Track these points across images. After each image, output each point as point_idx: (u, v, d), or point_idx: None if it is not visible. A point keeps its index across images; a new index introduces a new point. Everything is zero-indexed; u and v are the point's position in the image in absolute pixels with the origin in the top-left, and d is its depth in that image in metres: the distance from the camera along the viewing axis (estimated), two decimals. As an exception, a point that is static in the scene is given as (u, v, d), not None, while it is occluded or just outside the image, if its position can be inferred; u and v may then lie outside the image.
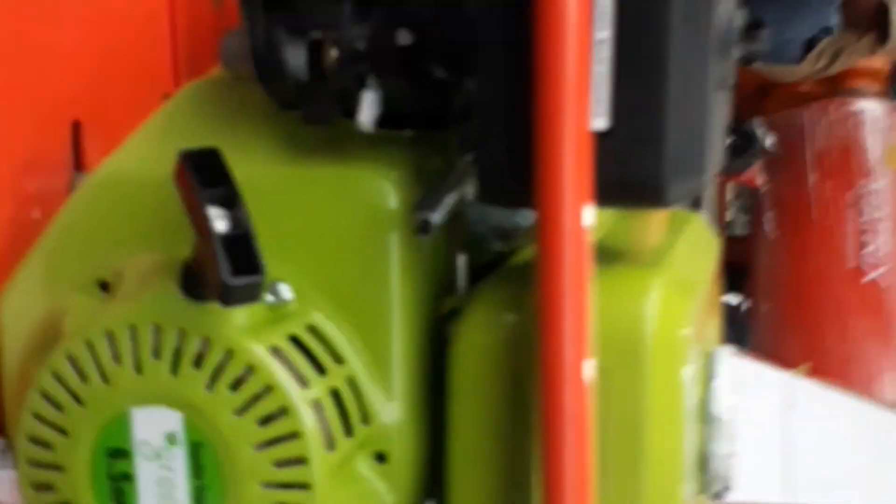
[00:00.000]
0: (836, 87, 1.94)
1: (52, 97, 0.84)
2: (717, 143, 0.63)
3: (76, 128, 0.86)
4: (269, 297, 0.69)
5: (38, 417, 0.70)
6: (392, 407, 0.70)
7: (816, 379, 1.55)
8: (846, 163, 1.86)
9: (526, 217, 0.78)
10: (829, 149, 1.92)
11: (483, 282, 0.73)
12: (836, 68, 1.87)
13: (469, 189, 0.71)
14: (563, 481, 0.60)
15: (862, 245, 1.79)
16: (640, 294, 0.65)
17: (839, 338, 1.78)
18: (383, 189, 0.69)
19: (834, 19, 1.83)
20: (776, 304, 1.87)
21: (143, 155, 0.74)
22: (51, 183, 0.85)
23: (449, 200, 0.66)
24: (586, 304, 0.58)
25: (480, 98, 0.62)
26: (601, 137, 0.59)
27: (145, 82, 0.97)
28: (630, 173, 0.60)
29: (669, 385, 0.65)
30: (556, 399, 0.59)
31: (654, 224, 0.78)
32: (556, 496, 0.60)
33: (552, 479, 0.60)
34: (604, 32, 0.59)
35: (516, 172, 0.61)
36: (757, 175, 2.01)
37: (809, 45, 1.85)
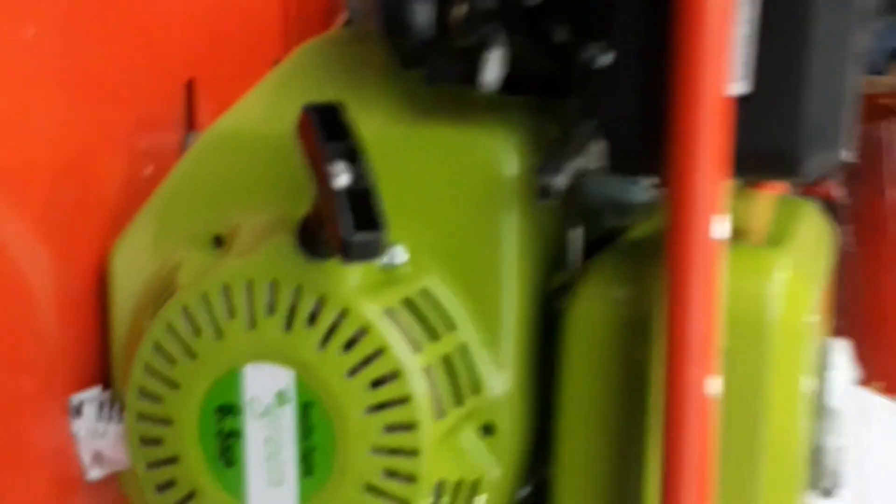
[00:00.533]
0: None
1: (168, 56, 0.84)
2: (853, 117, 0.60)
3: (190, 87, 0.85)
4: (383, 259, 0.68)
5: (149, 370, 0.70)
6: (502, 378, 0.69)
7: (891, 397, 1.51)
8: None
9: (642, 192, 0.76)
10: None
11: (598, 256, 0.71)
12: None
13: (589, 159, 0.69)
14: (683, 462, 0.58)
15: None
16: (766, 275, 0.63)
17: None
18: (502, 154, 0.67)
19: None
20: (852, 320, 1.81)
21: (260, 111, 0.74)
22: (163, 141, 0.85)
23: (571, 167, 0.64)
24: (717, 281, 0.56)
25: (613, 62, 0.60)
26: (738, 104, 0.57)
27: (255, 45, 0.97)
28: (767, 142, 0.58)
29: (790, 370, 0.63)
30: (680, 380, 0.57)
31: (764, 205, 0.76)
32: (675, 476, 0.58)
33: (672, 459, 0.58)
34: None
35: (648, 140, 0.59)
36: (834, 188, 1.97)
37: (894, 56, 1.81)
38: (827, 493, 0.69)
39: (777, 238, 0.68)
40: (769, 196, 0.78)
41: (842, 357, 0.69)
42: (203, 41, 0.88)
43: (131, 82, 0.80)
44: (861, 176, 1.82)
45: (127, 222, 0.77)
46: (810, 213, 0.74)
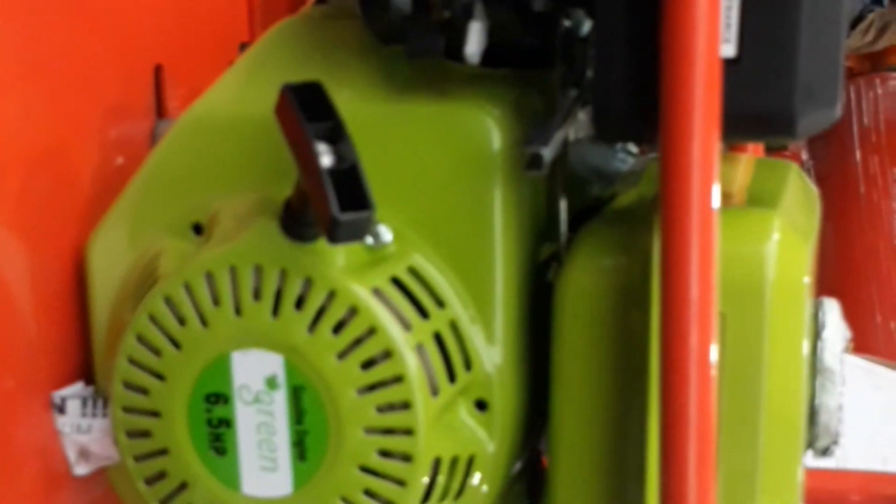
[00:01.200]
0: (882, 62, 1.90)
1: (134, 42, 0.82)
2: (843, 74, 0.60)
3: (158, 73, 0.84)
4: (368, 239, 0.67)
5: (134, 362, 0.68)
6: (494, 353, 0.69)
7: (862, 355, 1.53)
8: (893, 139, 1.83)
9: (624, 160, 0.76)
10: (876, 124, 1.89)
11: (585, 226, 0.71)
12: (883, 43, 1.83)
13: (574, 128, 0.69)
14: (684, 429, 0.57)
15: (910, 221, 1.77)
16: (764, 237, 0.62)
17: (886, 314, 1.75)
18: (486, 127, 0.66)
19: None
20: (823, 281, 1.83)
21: (234, 94, 0.72)
22: (133, 129, 0.83)
23: (559, 137, 0.64)
24: (714, 245, 0.56)
25: (599, 28, 0.60)
26: (728, 66, 0.57)
27: (221, 27, 0.95)
28: (759, 103, 0.57)
29: (791, 333, 0.63)
30: (680, 345, 0.56)
31: (743, 168, 0.76)
32: (676, 442, 0.58)
33: (673, 426, 0.58)
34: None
35: (637, 106, 0.58)
36: (801, 150, 1.97)
37: (857, 18, 1.81)
38: (824, 452, 0.69)
39: (765, 200, 0.68)
40: (747, 159, 0.78)
41: (834, 316, 0.69)
42: (169, 25, 0.86)
43: (99, 71, 0.78)
44: (828, 138, 1.83)
45: (101, 214, 0.76)
46: (795, 175, 0.74)
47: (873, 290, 1.81)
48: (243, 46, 1.00)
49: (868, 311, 1.79)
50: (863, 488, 0.99)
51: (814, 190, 0.78)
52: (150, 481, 0.70)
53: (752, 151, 0.82)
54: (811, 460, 0.73)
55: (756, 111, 0.58)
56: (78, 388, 0.75)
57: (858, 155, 1.89)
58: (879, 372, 1.47)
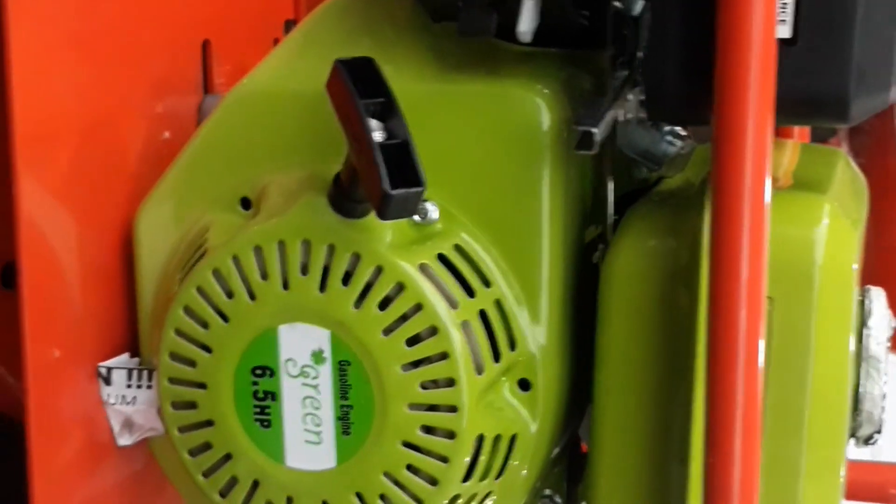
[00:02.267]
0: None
1: (182, 19, 0.83)
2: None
3: (206, 48, 0.84)
4: (415, 217, 0.67)
5: (182, 334, 0.69)
6: (538, 333, 0.69)
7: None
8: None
9: (671, 144, 0.76)
10: (917, 119, 1.86)
11: (633, 208, 0.71)
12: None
13: (622, 110, 0.69)
14: (732, 412, 0.57)
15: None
16: (815, 221, 0.62)
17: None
18: (536, 106, 0.66)
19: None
20: (862, 273, 1.81)
21: (285, 70, 0.73)
22: (180, 104, 0.83)
23: (609, 117, 0.64)
24: (765, 228, 0.56)
25: (654, 9, 0.59)
26: (782, 47, 0.56)
27: (266, 4, 0.96)
28: (812, 86, 0.57)
29: (839, 318, 0.62)
30: (729, 327, 0.56)
31: (789, 153, 0.76)
32: (723, 426, 0.58)
33: (720, 408, 0.58)
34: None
35: (690, 87, 0.58)
36: (841, 144, 1.96)
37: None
38: (867, 440, 0.69)
39: (814, 185, 0.67)
40: (793, 144, 0.78)
41: (880, 304, 0.69)
42: (216, 2, 0.86)
43: (148, 46, 0.79)
44: (868, 133, 1.81)
45: (148, 188, 0.76)
46: (844, 162, 0.74)
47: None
48: (289, 24, 1.00)
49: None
50: (902, 481, 0.98)
51: (862, 178, 0.78)
52: (195, 452, 0.70)
53: (798, 138, 0.81)
54: (848, 452, 0.72)
55: (809, 94, 0.58)
56: (123, 359, 0.76)
57: (896, 148, 1.86)
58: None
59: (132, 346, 0.77)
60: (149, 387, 0.75)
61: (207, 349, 0.68)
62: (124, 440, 0.76)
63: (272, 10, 0.96)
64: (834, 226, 0.63)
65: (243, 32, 0.91)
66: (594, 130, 0.61)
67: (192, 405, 0.69)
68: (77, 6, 0.70)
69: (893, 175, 1.84)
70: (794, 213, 0.63)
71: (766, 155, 0.55)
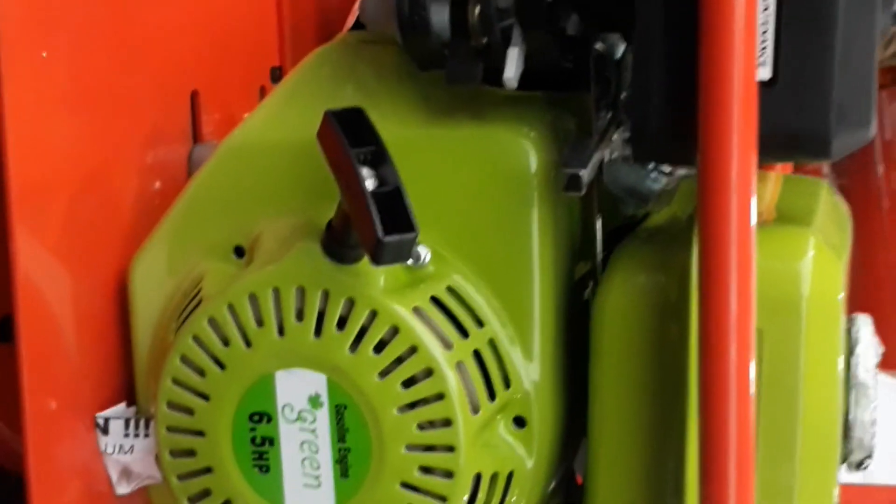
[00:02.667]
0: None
1: (171, 69, 0.84)
2: (875, 93, 0.62)
3: (194, 98, 0.85)
4: (408, 260, 0.68)
5: (178, 382, 0.70)
6: (532, 370, 0.70)
7: (886, 371, 1.52)
8: (916, 152, 1.82)
9: (657, 180, 0.77)
10: (899, 137, 1.88)
11: (621, 245, 0.72)
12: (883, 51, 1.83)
13: (609, 149, 0.70)
14: (726, 443, 0.58)
15: (933, 237, 1.76)
16: (800, 254, 0.63)
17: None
18: (523, 149, 0.68)
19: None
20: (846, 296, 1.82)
21: (275, 120, 0.74)
22: (170, 154, 0.84)
23: (596, 158, 0.65)
24: (752, 262, 0.57)
25: (637, 51, 0.61)
26: (763, 88, 0.58)
27: (253, 52, 0.97)
28: (794, 124, 0.59)
29: (828, 349, 0.64)
30: (720, 360, 0.57)
31: (771, 185, 0.77)
32: (715, 460, 0.59)
33: (712, 442, 0.59)
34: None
35: (675, 128, 0.60)
36: (822, 165, 1.97)
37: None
38: (859, 466, 0.70)
39: (798, 217, 0.69)
40: (775, 176, 0.79)
41: (867, 332, 0.70)
42: (204, 52, 0.88)
43: (139, 98, 0.80)
44: (851, 153, 1.83)
45: (141, 238, 0.77)
46: (826, 192, 0.75)
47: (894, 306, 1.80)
48: (274, 71, 1.01)
49: (891, 326, 1.78)
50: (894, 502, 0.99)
51: (844, 207, 0.80)
52: (194, 499, 0.71)
53: (780, 168, 0.83)
54: (840, 475, 0.73)
55: (791, 132, 0.59)
56: (120, 409, 0.76)
57: (881, 169, 1.88)
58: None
59: (128, 395, 0.78)
60: (146, 436, 0.75)
61: (205, 397, 0.69)
62: (122, 489, 0.77)
63: (258, 58, 0.98)
64: (819, 258, 0.64)
65: (230, 81, 0.92)
66: (582, 173, 0.62)
67: (190, 453, 0.70)
68: (69, 61, 0.72)
69: (875, 196, 1.86)
70: (780, 246, 0.64)
71: (751, 193, 0.56)
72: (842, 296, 0.65)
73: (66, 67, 0.71)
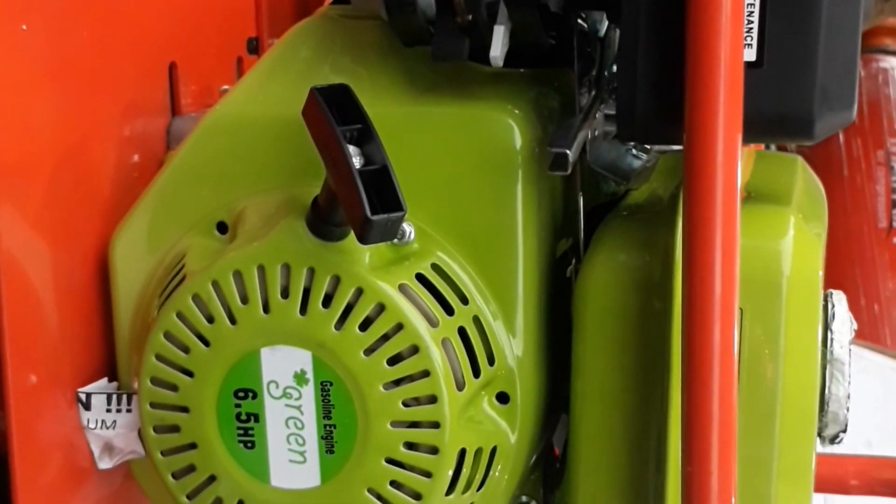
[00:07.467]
0: (864, 44, 1.91)
1: (149, 41, 0.83)
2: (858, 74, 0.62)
3: (172, 70, 0.85)
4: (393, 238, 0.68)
5: (162, 359, 0.69)
6: (515, 347, 0.70)
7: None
8: (876, 121, 1.83)
9: (637, 158, 0.78)
10: (859, 106, 1.89)
11: (604, 222, 0.72)
12: (865, 26, 1.84)
13: (592, 128, 0.70)
14: (709, 420, 0.59)
15: (893, 204, 1.78)
16: (778, 232, 0.64)
17: (869, 297, 1.76)
18: (508, 127, 0.68)
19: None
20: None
21: (258, 94, 0.73)
22: (149, 126, 0.84)
23: (581, 137, 0.65)
24: (736, 242, 0.58)
25: (623, 32, 0.61)
26: (748, 69, 0.58)
27: (229, 24, 0.96)
28: (778, 106, 0.59)
29: (804, 326, 0.65)
30: (704, 337, 0.58)
31: (745, 163, 0.78)
32: (701, 433, 0.60)
33: (696, 416, 0.60)
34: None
35: (661, 108, 0.60)
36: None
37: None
38: (833, 439, 0.71)
39: (777, 195, 0.70)
40: (748, 153, 0.80)
41: (842, 308, 0.71)
42: (181, 24, 0.87)
43: (118, 71, 0.79)
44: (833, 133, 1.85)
45: (121, 212, 0.77)
46: (802, 169, 0.76)
47: (857, 273, 1.83)
48: (251, 42, 1.01)
49: (852, 294, 1.80)
50: (862, 472, 1.01)
51: (819, 184, 0.80)
52: (178, 475, 0.71)
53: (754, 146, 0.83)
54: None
55: (775, 114, 0.60)
56: (102, 384, 0.76)
57: (841, 138, 1.90)
58: (864, 355, 1.48)
59: (110, 370, 0.78)
60: (128, 411, 0.75)
61: (189, 374, 0.69)
62: (105, 464, 0.77)
63: (235, 29, 0.97)
64: (799, 236, 0.65)
65: (208, 52, 0.91)
66: (568, 152, 0.63)
67: (174, 429, 0.70)
68: (49, 34, 0.71)
69: (836, 164, 1.87)
70: (761, 226, 0.65)
71: (736, 173, 0.57)
72: (821, 274, 0.66)
73: (45, 40, 0.70)
